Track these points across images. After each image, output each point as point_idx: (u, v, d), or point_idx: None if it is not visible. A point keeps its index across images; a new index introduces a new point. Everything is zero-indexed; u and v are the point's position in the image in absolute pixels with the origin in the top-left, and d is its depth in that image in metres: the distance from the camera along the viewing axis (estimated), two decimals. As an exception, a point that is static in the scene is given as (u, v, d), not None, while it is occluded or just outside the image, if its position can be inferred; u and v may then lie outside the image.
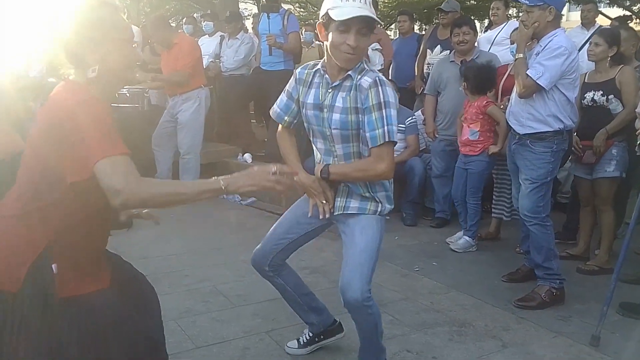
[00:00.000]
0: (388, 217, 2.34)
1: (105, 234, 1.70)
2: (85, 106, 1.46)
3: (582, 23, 5.76)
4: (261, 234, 4.40)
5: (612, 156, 3.57)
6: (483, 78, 4.00)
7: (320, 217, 2.20)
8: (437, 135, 4.66)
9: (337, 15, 1.94)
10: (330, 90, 2.11)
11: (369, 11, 1.95)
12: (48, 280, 1.48)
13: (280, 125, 2.37)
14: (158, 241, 4.17)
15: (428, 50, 5.43)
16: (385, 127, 2.00)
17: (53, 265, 1.49)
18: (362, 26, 1.96)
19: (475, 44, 4.64)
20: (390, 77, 5.88)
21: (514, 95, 3.25)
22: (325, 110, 2.12)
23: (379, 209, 2.18)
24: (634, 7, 11.74)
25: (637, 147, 3.19)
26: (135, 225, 4.22)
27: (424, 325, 2.90)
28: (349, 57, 2.00)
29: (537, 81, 2.98)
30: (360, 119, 2.06)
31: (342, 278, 2.07)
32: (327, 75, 2.13)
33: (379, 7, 8.67)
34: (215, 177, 1.52)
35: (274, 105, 2.33)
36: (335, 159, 2.18)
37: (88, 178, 1.40)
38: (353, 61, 2.03)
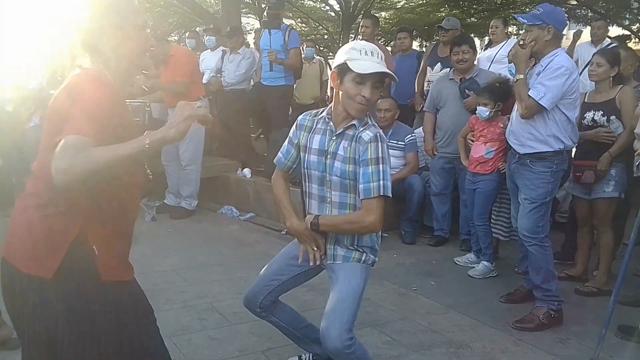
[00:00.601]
0: (373, 267, 2.35)
1: (133, 219, 1.73)
2: (85, 84, 1.47)
3: (592, 40, 5.76)
4: (259, 250, 4.46)
5: (611, 177, 3.56)
6: (507, 92, 3.91)
7: (311, 263, 2.24)
8: (436, 153, 4.66)
9: (358, 68, 2.04)
10: (334, 138, 2.19)
11: (385, 67, 2.08)
12: (87, 264, 1.50)
13: (276, 171, 2.42)
14: (156, 256, 4.17)
15: (428, 67, 5.46)
16: (381, 182, 2.07)
17: (94, 247, 1.51)
18: (376, 80, 2.08)
19: (475, 62, 4.67)
20: (390, 94, 5.90)
21: (514, 114, 3.25)
22: (328, 157, 2.19)
23: (363, 258, 2.24)
24: (633, 27, 11.82)
25: (635, 168, 3.19)
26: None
27: (422, 347, 2.88)
28: (362, 107, 2.10)
29: (539, 102, 2.98)
30: (357, 171, 2.13)
31: (322, 326, 2.08)
32: (331, 123, 2.20)
33: (380, 23, 8.72)
34: (146, 139, 1.40)
35: (278, 153, 2.39)
36: (329, 205, 2.23)
37: None
38: (364, 112, 2.14)
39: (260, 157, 6.37)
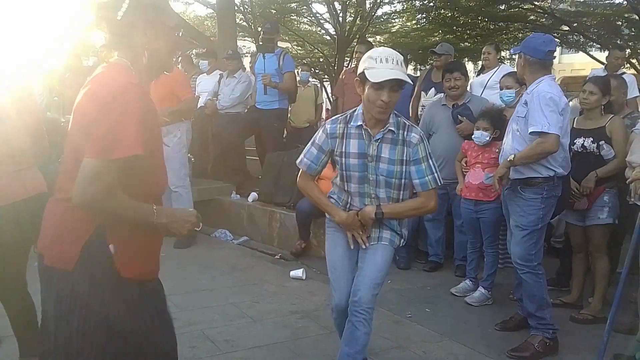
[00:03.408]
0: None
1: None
2: (117, 96, 1.50)
3: (605, 67, 5.71)
4: (253, 275, 4.41)
5: (605, 203, 3.56)
6: (504, 120, 3.92)
7: (363, 247, 2.49)
8: (429, 178, 4.63)
9: (372, 76, 2.24)
10: (374, 142, 2.38)
11: (400, 72, 2.25)
12: (105, 259, 1.56)
13: (301, 176, 2.56)
14: (147, 281, 4.11)
15: (422, 92, 5.49)
16: (435, 174, 2.41)
17: (111, 246, 1.56)
18: (394, 84, 2.26)
19: (467, 88, 4.70)
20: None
21: (506, 139, 3.26)
22: (371, 160, 2.39)
23: (401, 243, 2.58)
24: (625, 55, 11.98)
25: (628, 196, 3.19)
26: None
27: (416, 376, 2.83)
28: (382, 110, 2.30)
29: (549, 132, 2.89)
30: (404, 170, 2.39)
31: (360, 284, 2.41)
32: (369, 130, 2.38)
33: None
34: (155, 209, 1.60)
35: (303, 158, 2.52)
36: (374, 199, 2.45)
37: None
38: (385, 114, 2.33)
39: (254, 180, 6.36)
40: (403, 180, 2.41)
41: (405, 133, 2.37)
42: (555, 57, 3.25)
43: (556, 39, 11.56)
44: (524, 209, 3.09)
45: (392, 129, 2.36)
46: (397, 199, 2.46)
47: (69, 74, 5.29)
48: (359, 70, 2.33)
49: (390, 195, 2.44)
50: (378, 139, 2.37)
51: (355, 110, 2.44)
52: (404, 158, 2.38)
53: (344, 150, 2.42)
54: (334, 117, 2.53)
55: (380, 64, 2.24)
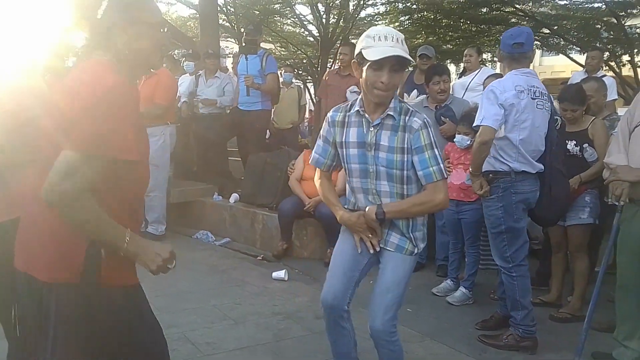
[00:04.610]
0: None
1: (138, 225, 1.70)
2: (108, 94, 1.44)
3: (585, 70, 5.77)
4: (234, 277, 4.38)
5: (586, 203, 3.61)
6: None
7: (371, 251, 2.25)
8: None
9: (371, 55, 2.03)
10: (372, 129, 2.17)
11: (401, 49, 2.05)
12: (97, 268, 1.49)
13: (318, 173, 2.41)
14: (127, 283, 4.05)
15: (405, 94, 5.51)
16: (440, 165, 2.14)
17: (103, 250, 1.49)
18: (394, 63, 2.06)
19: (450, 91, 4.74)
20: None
21: None
22: (370, 148, 2.18)
23: (415, 251, 2.26)
24: (603, 56, 12.17)
25: (605, 197, 3.23)
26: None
27: (397, 376, 2.83)
28: (382, 93, 2.10)
29: (480, 124, 2.92)
30: (406, 159, 2.15)
31: (369, 311, 2.22)
32: (366, 115, 2.19)
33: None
34: (128, 233, 1.51)
35: (313, 154, 2.37)
36: (375, 195, 2.22)
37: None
38: (385, 97, 2.13)
39: (237, 181, 6.33)
40: (405, 172, 2.16)
41: (407, 118, 2.14)
42: (529, 50, 3.10)
43: (537, 42, 11.73)
44: (485, 211, 3.15)
45: (392, 113, 2.14)
46: (402, 194, 2.20)
47: (49, 75, 5.21)
48: (356, 52, 2.13)
49: (394, 190, 2.19)
50: (376, 125, 2.15)
51: (358, 98, 2.26)
52: (405, 146, 2.13)
53: (343, 139, 2.23)
54: (337, 106, 2.36)
55: (379, 42, 2.04)
